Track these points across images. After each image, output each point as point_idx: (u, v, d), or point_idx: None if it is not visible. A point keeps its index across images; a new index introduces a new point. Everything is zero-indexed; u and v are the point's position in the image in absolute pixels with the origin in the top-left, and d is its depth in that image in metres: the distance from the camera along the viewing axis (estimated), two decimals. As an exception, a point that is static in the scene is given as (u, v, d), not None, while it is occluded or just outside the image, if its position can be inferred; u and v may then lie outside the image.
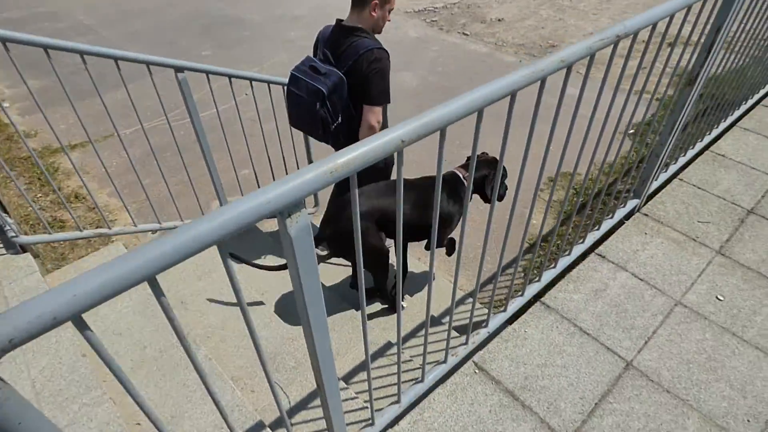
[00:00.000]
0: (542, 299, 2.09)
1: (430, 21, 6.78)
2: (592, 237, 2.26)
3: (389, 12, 2.25)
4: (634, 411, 1.70)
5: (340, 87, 2.14)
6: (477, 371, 1.83)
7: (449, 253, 2.44)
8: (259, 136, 2.92)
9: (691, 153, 2.76)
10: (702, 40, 2.02)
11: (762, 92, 3.33)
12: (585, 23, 6.62)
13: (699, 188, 2.61)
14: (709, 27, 1.95)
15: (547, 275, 2.08)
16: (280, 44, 6.28)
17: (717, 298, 2.06)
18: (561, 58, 1.18)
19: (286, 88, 2.26)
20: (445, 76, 5.51)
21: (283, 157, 3.11)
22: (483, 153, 2.45)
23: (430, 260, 1.39)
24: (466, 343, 1.81)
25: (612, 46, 1.36)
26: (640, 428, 1.66)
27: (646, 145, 4.59)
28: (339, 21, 2.21)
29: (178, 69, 2.35)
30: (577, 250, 2.20)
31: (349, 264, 2.71)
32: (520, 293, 2.01)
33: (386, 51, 2.20)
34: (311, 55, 2.28)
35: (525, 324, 1.98)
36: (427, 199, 2.17)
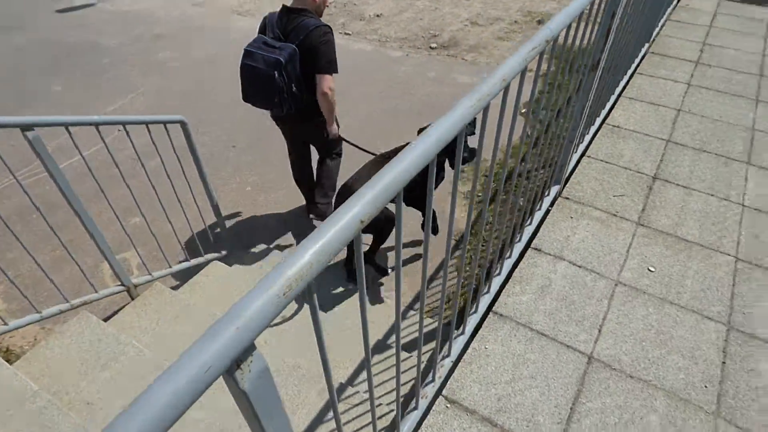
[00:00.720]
0: (494, 309, 2.03)
1: (308, 24, 6.56)
2: (527, 232, 2.25)
3: None
4: (606, 406, 1.70)
5: (294, 58, 2.45)
6: (449, 405, 1.71)
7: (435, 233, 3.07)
8: (142, 176, 2.54)
9: (593, 129, 2.88)
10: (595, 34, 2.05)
11: (636, 61, 3.60)
12: (459, 10, 6.81)
13: (606, 162, 2.73)
14: (603, 14, 1.98)
15: (496, 283, 2.02)
16: (150, 67, 5.67)
17: (648, 269, 2.15)
18: (502, 77, 1.08)
19: (240, 63, 2.51)
20: (336, 79, 5.32)
21: (177, 196, 2.74)
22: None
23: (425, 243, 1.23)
24: (433, 380, 1.68)
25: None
26: (616, 422, 1.65)
27: (540, 121, 4.85)
28: (285, 6, 2.55)
29: (26, 127, 1.93)
30: (517, 249, 2.18)
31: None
32: (473, 310, 1.93)
33: (330, 27, 2.56)
34: (253, 40, 2.54)
35: (484, 340, 1.90)
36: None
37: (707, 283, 2.08)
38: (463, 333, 1.84)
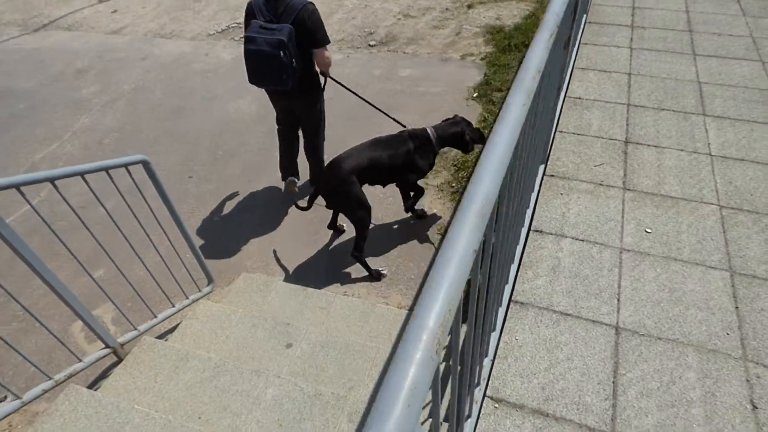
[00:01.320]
0: (513, 298, 2.00)
1: (240, 38, 6.29)
2: (527, 215, 2.25)
3: None
4: (645, 373, 1.72)
5: (292, 36, 2.68)
6: (497, 405, 1.67)
7: (416, 213, 3.40)
8: (100, 222, 2.31)
9: (559, 105, 2.92)
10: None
11: (581, 31, 3.70)
12: (390, 4, 6.78)
13: (578, 135, 2.78)
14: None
15: (512, 271, 2.00)
16: (76, 106, 5.24)
17: (645, 231, 2.20)
18: (537, 69, 1.03)
19: (244, 49, 2.78)
20: (281, 91, 5.15)
21: (147, 234, 2.52)
22: (455, 115, 3.15)
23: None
24: (478, 384, 1.63)
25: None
26: (658, 386, 1.68)
27: (492, 102, 4.92)
28: None
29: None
30: (523, 233, 2.16)
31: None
32: (497, 302, 1.90)
33: (314, 3, 2.79)
34: (244, 26, 2.83)
35: (512, 332, 1.88)
36: (396, 149, 2.88)
37: (701, 234, 2.16)
38: (494, 329, 1.80)
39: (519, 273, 2.09)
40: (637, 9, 4.09)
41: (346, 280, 3.15)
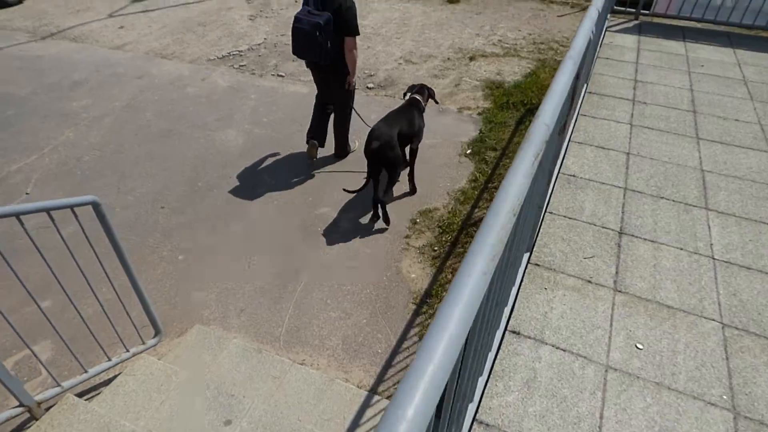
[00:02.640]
0: (477, 417, 1.66)
1: (239, 66, 6.07)
2: (505, 313, 1.92)
3: None
4: None
5: (329, 22, 3.31)
6: None
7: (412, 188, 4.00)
8: (53, 247, 1.97)
9: (552, 183, 2.63)
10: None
11: (580, 103, 3.45)
12: (392, 48, 6.60)
13: (569, 218, 2.47)
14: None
15: (480, 384, 1.65)
16: (61, 120, 4.95)
17: (636, 347, 1.87)
18: (544, 122, 0.72)
19: (292, 27, 3.41)
20: (272, 126, 4.88)
21: (86, 278, 2.17)
22: (418, 84, 3.88)
23: None
24: None
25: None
26: None
27: (485, 162, 4.65)
28: None
29: None
30: (498, 336, 1.83)
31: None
32: (457, 427, 1.55)
33: (353, 1, 3.44)
34: (300, 10, 3.43)
35: (473, 466, 1.52)
36: (408, 116, 3.59)
37: (700, 358, 1.83)
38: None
39: (488, 383, 1.75)
40: (639, 83, 3.86)
41: (308, 344, 2.80)
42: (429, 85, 4.14)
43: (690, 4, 4.85)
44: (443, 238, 3.54)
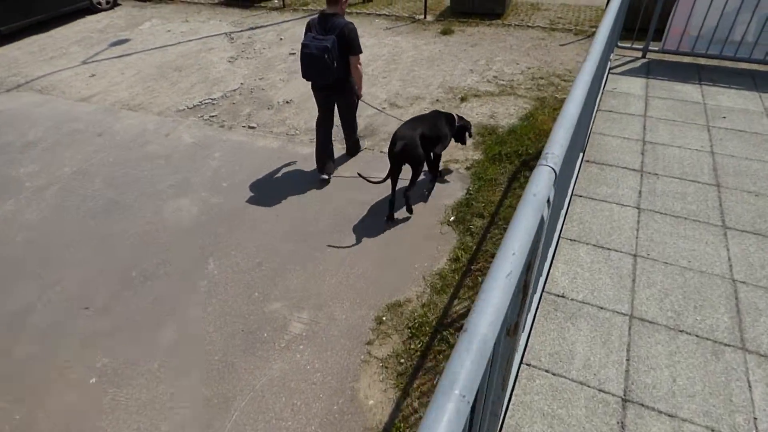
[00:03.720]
0: None
1: (209, 117, 5.57)
2: None
3: (346, 2, 3.80)
4: None
5: (335, 45, 3.61)
6: None
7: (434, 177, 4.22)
8: None
9: (533, 311, 1.98)
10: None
11: (573, 180, 2.80)
12: (376, 89, 6.03)
13: (554, 375, 1.81)
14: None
15: None
16: (3, 188, 4.48)
17: None
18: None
19: (300, 53, 3.68)
20: (232, 192, 4.33)
21: None
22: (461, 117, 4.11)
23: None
24: None
25: None
26: None
27: (470, 233, 4.00)
28: (322, 12, 3.72)
29: None
30: None
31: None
32: None
33: (353, 23, 3.73)
34: (305, 37, 3.70)
35: None
36: (434, 123, 3.83)
37: None
38: None
39: None
40: (649, 145, 3.19)
41: None
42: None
43: (705, 39, 4.18)
44: (412, 346, 2.89)
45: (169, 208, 4.14)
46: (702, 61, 4.37)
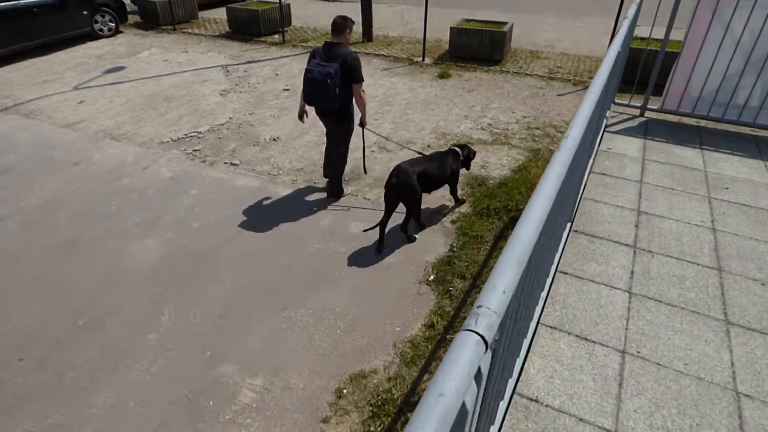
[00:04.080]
0: None
1: (192, 151, 5.37)
2: None
3: (352, 33, 3.93)
4: None
5: (337, 72, 3.68)
6: None
7: (459, 202, 4.33)
8: None
9: (497, 419, 1.65)
10: None
11: (557, 256, 2.52)
12: (367, 133, 5.85)
13: None
14: None
15: None
16: (-37, 220, 4.23)
17: None
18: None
19: (304, 78, 3.75)
20: (201, 233, 4.06)
21: None
22: (466, 144, 4.20)
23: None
24: None
25: None
26: None
27: (450, 296, 3.70)
28: (326, 42, 3.83)
29: None
30: None
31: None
32: None
33: (356, 53, 3.87)
34: (310, 63, 3.79)
35: None
36: (440, 162, 3.87)
37: None
38: None
39: None
40: (644, 216, 2.93)
41: None
42: (472, 148, 4.25)
43: (707, 101, 3.99)
44: (372, 428, 2.55)
45: (132, 249, 3.87)
46: (703, 122, 4.17)
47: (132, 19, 10.51)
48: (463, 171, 4.43)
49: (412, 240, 3.93)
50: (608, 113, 4.18)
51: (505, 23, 8.16)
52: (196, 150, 5.42)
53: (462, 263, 3.73)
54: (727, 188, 3.20)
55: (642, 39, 7.40)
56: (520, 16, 11.91)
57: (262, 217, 4.28)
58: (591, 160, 3.39)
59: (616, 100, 4.41)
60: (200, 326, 3.17)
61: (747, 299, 2.31)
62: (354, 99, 3.98)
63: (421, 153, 4.22)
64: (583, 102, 1.89)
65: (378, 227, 3.83)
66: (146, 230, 4.08)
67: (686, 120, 4.21)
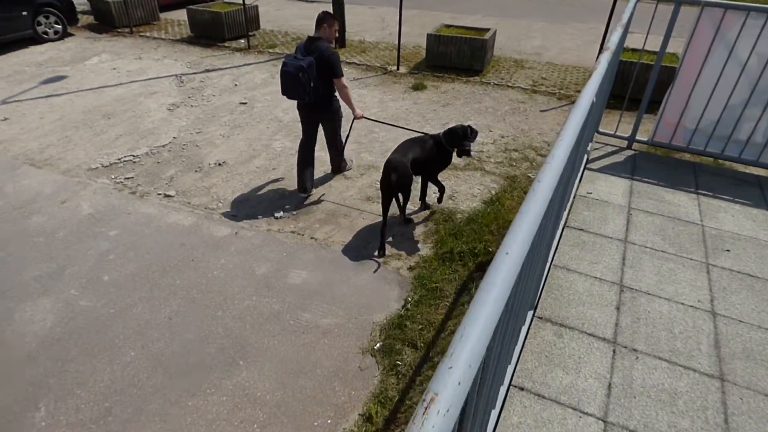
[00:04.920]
0: None
1: (124, 180, 4.76)
2: None
3: (336, 30, 4.06)
4: None
5: (311, 65, 3.79)
6: None
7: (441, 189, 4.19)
8: None
9: None
10: None
11: (518, 349, 1.94)
12: (325, 154, 5.26)
13: None
14: None
15: None
16: None
17: None
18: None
19: (280, 70, 3.86)
20: (110, 290, 3.46)
21: None
22: (459, 124, 3.84)
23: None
24: None
25: None
26: None
27: (396, 372, 3.10)
28: (309, 36, 3.97)
29: None
30: None
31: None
32: None
33: (335, 50, 3.98)
34: (288, 56, 3.88)
35: None
36: (423, 145, 3.82)
37: None
38: None
39: None
40: (628, 291, 2.37)
41: None
42: (473, 128, 3.91)
43: (704, 133, 3.44)
44: None
45: (23, 312, 3.26)
46: (698, 158, 3.63)
47: (86, 20, 9.82)
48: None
49: (409, 222, 4.10)
50: (591, 145, 3.63)
51: (488, 30, 7.60)
52: (128, 178, 4.80)
53: (415, 326, 3.16)
54: (728, 251, 2.65)
55: (634, 50, 6.86)
56: (508, 21, 11.36)
57: (186, 266, 3.68)
58: (566, 211, 2.83)
59: (601, 129, 3.85)
60: (80, 426, 2.57)
61: (758, 421, 1.75)
62: (338, 92, 4.09)
63: (417, 131, 4.17)
64: (557, 145, 1.35)
65: (380, 247, 3.81)
66: (45, 286, 3.47)
67: (678, 154, 3.67)
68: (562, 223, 2.71)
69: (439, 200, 4.28)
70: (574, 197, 3.07)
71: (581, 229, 2.79)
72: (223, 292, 3.44)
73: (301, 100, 3.98)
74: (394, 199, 3.79)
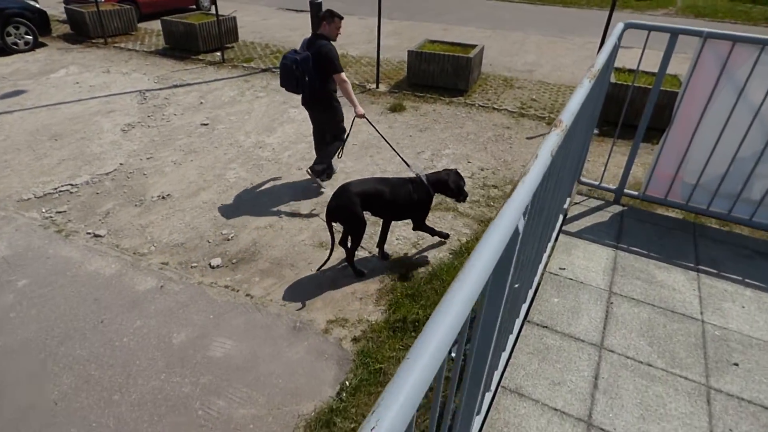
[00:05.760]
0: None
1: (54, 214, 4.15)
2: None
3: (337, 28, 4.05)
4: None
5: (307, 60, 3.86)
6: None
7: (433, 234, 3.66)
8: None
9: None
10: None
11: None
12: (282, 188, 4.63)
13: None
14: None
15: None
16: None
17: None
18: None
19: (280, 63, 3.93)
20: (4, 360, 2.85)
21: None
22: (446, 169, 3.52)
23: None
24: None
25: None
26: None
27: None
28: (314, 32, 4.06)
29: None
30: None
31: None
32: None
33: (333, 45, 3.98)
34: (289, 51, 3.95)
35: None
36: (396, 189, 3.34)
37: None
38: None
39: None
40: (602, 381, 1.71)
41: None
42: (458, 174, 3.53)
43: (706, 189, 2.77)
44: None
45: None
46: (700, 217, 2.95)
47: (63, 29, 9.26)
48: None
49: (360, 274, 3.50)
50: (568, 201, 2.96)
51: (474, 46, 6.93)
52: (59, 212, 4.20)
53: (347, 424, 2.52)
54: (736, 365, 1.98)
55: (630, 71, 6.17)
56: (501, 33, 10.67)
57: (93, 330, 3.06)
58: (527, 303, 2.17)
59: (583, 179, 3.18)
60: None
61: None
62: (339, 87, 4.05)
63: (406, 162, 4.01)
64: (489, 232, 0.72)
65: (328, 260, 3.48)
66: None
67: (674, 213, 2.99)
68: (519, 320, 2.05)
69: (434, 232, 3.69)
70: (542, 276, 2.41)
71: (545, 327, 2.12)
72: (128, 368, 2.82)
73: (294, 92, 4.02)
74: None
